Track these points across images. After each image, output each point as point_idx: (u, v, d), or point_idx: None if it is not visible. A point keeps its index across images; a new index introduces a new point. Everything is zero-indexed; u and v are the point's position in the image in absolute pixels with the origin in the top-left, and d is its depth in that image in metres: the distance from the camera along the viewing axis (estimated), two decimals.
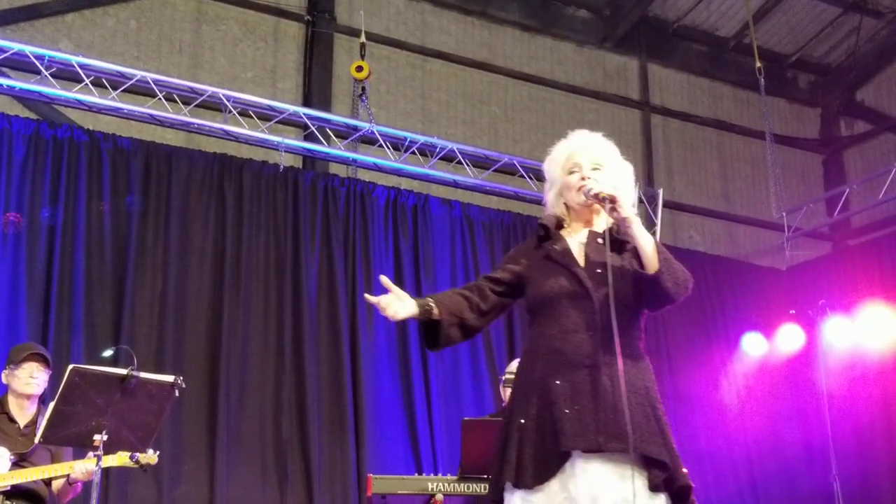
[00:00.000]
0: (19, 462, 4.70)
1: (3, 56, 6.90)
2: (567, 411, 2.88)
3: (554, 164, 3.24)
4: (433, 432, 7.32)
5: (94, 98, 7.17)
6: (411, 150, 8.18)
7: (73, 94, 7.09)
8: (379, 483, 4.87)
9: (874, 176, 9.25)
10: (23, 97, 7.27)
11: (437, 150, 8.25)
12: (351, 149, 8.15)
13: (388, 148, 8.14)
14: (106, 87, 7.24)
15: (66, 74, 7.13)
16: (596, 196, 2.98)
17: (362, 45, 8.13)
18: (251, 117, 7.74)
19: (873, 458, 8.65)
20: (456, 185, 8.46)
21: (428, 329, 3.11)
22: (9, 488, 4.60)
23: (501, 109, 9.71)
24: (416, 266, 7.83)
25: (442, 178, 8.38)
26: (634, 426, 2.82)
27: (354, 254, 7.60)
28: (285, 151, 7.71)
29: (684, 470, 2.95)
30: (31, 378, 4.85)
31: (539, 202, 8.76)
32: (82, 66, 7.11)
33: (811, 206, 9.88)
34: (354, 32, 8.59)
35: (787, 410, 9.14)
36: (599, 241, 3.07)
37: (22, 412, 4.87)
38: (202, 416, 6.67)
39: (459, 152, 8.37)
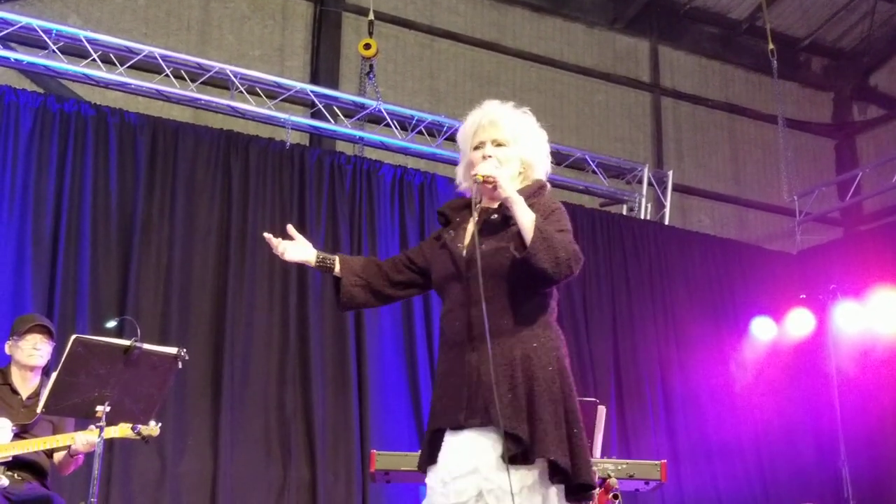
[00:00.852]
0: (21, 433, 4.67)
1: (10, 30, 6.88)
2: (439, 390, 3.01)
3: (463, 137, 3.24)
4: None
5: (101, 73, 7.15)
6: (418, 129, 8.14)
7: (81, 68, 7.08)
8: (382, 459, 4.85)
9: (886, 160, 9.17)
10: (30, 71, 7.25)
11: (445, 129, 8.21)
12: (358, 127, 8.11)
13: (395, 127, 8.10)
14: (113, 63, 7.23)
15: (74, 49, 7.12)
16: (474, 178, 3.02)
17: (370, 23, 8.09)
18: (258, 94, 7.71)
19: (883, 443, 8.59)
20: None
21: (335, 287, 3.23)
22: (10, 459, 4.58)
23: (510, 90, 9.63)
24: None
25: (449, 157, 8.32)
26: (495, 399, 2.83)
27: (360, 232, 7.56)
28: (292, 129, 7.68)
29: (591, 464, 2.92)
30: (34, 350, 4.83)
31: (550, 183, 8.75)
32: (90, 41, 7.09)
33: (823, 190, 9.82)
34: (363, 11, 8.54)
35: (797, 395, 9.09)
36: (494, 217, 3.08)
37: (25, 383, 4.85)
38: (206, 390, 6.65)
39: None
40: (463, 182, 3.24)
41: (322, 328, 7.15)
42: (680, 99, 10.53)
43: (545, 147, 3.28)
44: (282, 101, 7.80)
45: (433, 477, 2.97)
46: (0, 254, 6.23)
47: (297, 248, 3.27)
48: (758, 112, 10.74)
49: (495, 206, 3.10)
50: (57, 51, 6.98)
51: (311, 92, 7.91)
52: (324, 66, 8.68)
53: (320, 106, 7.89)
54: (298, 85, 7.87)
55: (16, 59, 7.01)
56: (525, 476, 2.83)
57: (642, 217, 9.13)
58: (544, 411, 2.85)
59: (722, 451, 8.56)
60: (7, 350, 4.91)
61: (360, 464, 6.83)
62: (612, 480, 5.04)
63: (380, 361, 7.27)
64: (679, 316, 8.83)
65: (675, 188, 9.51)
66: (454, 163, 8.44)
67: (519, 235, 2.94)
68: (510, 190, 2.98)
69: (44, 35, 6.96)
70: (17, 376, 4.85)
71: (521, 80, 9.72)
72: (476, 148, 3.15)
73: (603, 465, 4.93)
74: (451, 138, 8.25)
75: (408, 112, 8.18)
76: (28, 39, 7.06)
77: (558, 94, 9.87)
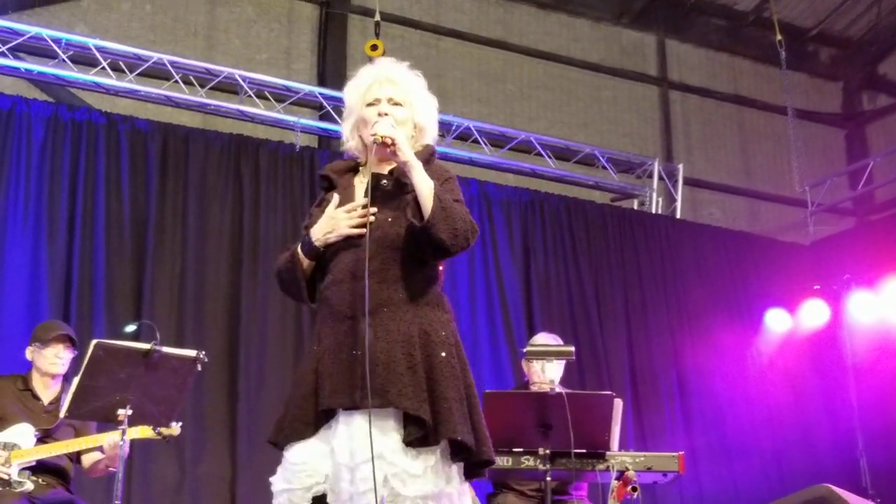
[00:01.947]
0: (44, 438, 4.72)
1: (20, 40, 6.91)
2: (328, 367, 2.80)
3: (354, 92, 3.05)
4: None
5: (111, 81, 7.17)
6: None
7: (91, 76, 7.10)
8: None
9: None
10: (40, 81, 7.27)
11: (453, 128, 8.23)
12: None
13: None
14: (123, 70, 7.25)
15: (83, 58, 7.15)
16: (374, 137, 2.85)
17: (377, 24, 8.10)
18: (267, 98, 7.73)
19: None
20: (472, 162, 8.43)
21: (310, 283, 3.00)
22: (34, 464, 4.63)
23: (517, 87, 9.65)
24: None
25: (458, 156, 8.35)
26: (394, 379, 2.71)
27: None
28: (301, 131, 7.71)
29: (482, 442, 2.84)
30: (57, 358, 4.87)
31: (558, 179, 8.78)
32: (99, 49, 7.12)
33: (834, 180, 9.79)
34: (368, 12, 8.55)
35: (812, 386, 9.07)
36: (384, 182, 2.93)
37: (46, 389, 4.89)
38: (223, 394, 6.67)
39: (475, 130, 8.34)
40: (350, 140, 3.07)
41: None
42: (688, 92, 10.50)
43: (436, 113, 3.13)
44: (290, 104, 7.81)
45: (301, 454, 2.80)
46: (16, 261, 6.26)
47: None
48: (767, 103, 10.71)
49: (385, 170, 2.95)
50: (67, 60, 7.01)
51: (319, 94, 7.93)
52: (331, 68, 8.70)
53: (328, 108, 7.91)
54: (307, 87, 7.90)
55: (26, 69, 7.03)
56: (428, 457, 2.73)
57: (653, 211, 9.13)
58: (447, 389, 2.74)
59: (738, 443, 8.54)
60: (28, 356, 4.94)
61: None
62: (631, 473, 5.02)
63: None
64: (693, 309, 8.82)
65: (686, 182, 9.49)
66: (464, 162, 8.54)
67: (415, 203, 2.80)
68: (409, 154, 2.84)
69: (53, 44, 6.99)
70: (38, 382, 4.89)
71: (528, 76, 9.73)
72: (370, 105, 2.98)
73: (620, 457, 4.92)
74: (460, 137, 8.28)
75: None
76: (37, 49, 7.09)
77: (566, 90, 9.86)
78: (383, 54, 7.93)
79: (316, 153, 7.73)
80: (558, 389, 4.68)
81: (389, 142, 2.82)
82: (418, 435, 2.70)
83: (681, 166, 9.43)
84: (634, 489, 5.00)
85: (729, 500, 8.27)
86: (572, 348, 4.90)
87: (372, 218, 2.85)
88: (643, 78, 10.32)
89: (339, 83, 8.56)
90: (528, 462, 4.71)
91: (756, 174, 10.58)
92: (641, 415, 8.19)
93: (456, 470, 2.80)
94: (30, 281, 6.27)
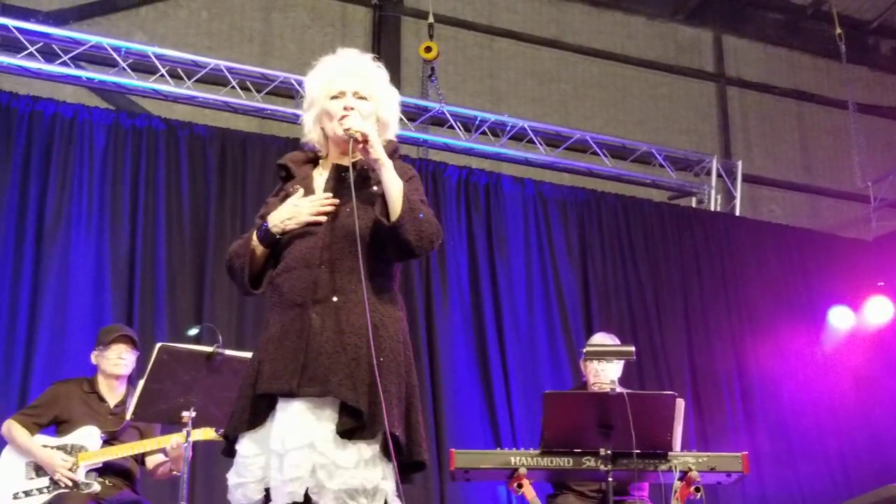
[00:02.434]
0: (110, 440, 4.80)
1: (81, 49, 7.03)
2: (270, 354, 2.74)
3: (316, 83, 2.98)
4: (511, 407, 7.28)
5: (169, 87, 7.26)
6: (482, 130, 8.14)
7: (150, 84, 7.20)
8: (462, 458, 4.83)
9: None
10: (101, 89, 7.39)
11: (508, 128, 8.21)
12: (421, 130, 8.13)
13: (459, 128, 8.11)
14: (181, 77, 7.34)
15: (142, 66, 7.24)
16: (348, 133, 2.80)
17: (430, 26, 8.12)
18: None
19: None
20: (528, 163, 8.41)
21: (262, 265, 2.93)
22: (101, 465, 4.71)
23: (571, 86, 9.60)
24: (490, 245, 7.78)
25: (513, 157, 8.34)
26: (336, 369, 2.66)
27: None
28: None
29: (420, 443, 2.79)
30: (119, 359, 4.94)
31: (614, 178, 8.71)
32: (158, 57, 7.21)
33: None
34: (421, 15, 8.57)
35: (878, 384, 8.88)
36: (344, 175, 2.86)
37: (111, 392, 4.97)
38: None
39: (531, 130, 8.31)
40: (311, 133, 3.01)
41: None
42: (746, 88, 10.37)
43: (398, 108, 3.08)
44: None
45: (251, 446, 2.73)
46: (80, 267, 6.37)
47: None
48: (827, 98, 10.53)
49: (346, 163, 2.86)
50: (126, 68, 7.12)
51: None
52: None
53: None
54: None
55: (87, 78, 7.15)
56: (364, 450, 2.66)
57: (712, 209, 9.01)
58: (389, 384, 2.70)
59: (803, 444, 8.39)
60: (93, 360, 5.03)
61: (436, 464, 6.84)
62: (694, 473, 4.95)
63: (452, 362, 7.28)
64: (753, 307, 8.69)
65: (745, 178, 9.36)
66: (519, 162, 8.51)
67: (382, 201, 2.76)
68: (382, 152, 2.79)
69: (113, 53, 7.10)
70: (103, 385, 4.97)
71: (582, 75, 9.67)
72: (335, 98, 2.92)
73: (683, 458, 4.85)
74: (516, 137, 8.26)
75: (470, 113, 8.19)
76: (97, 58, 7.20)
77: (621, 88, 9.79)
78: (437, 56, 7.96)
79: None
80: (619, 389, 4.63)
81: (361, 138, 2.77)
82: (352, 426, 2.64)
83: (739, 163, 9.30)
84: (698, 490, 4.93)
85: (794, 502, 8.13)
86: (632, 348, 4.83)
87: (331, 208, 2.83)
88: (700, 74, 10.21)
89: (393, 85, 8.58)
90: (589, 462, 4.65)
91: (817, 170, 10.40)
92: (703, 415, 8.09)
93: (391, 468, 2.71)
94: (94, 286, 6.37)
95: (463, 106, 8.35)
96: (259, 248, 2.89)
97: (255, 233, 2.91)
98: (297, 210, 2.84)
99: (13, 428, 4.77)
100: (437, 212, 7.51)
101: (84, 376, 5.08)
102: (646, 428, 4.54)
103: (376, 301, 2.78)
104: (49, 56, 6.94)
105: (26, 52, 6.84)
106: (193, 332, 5.16)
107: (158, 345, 4.18)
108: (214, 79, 7.47)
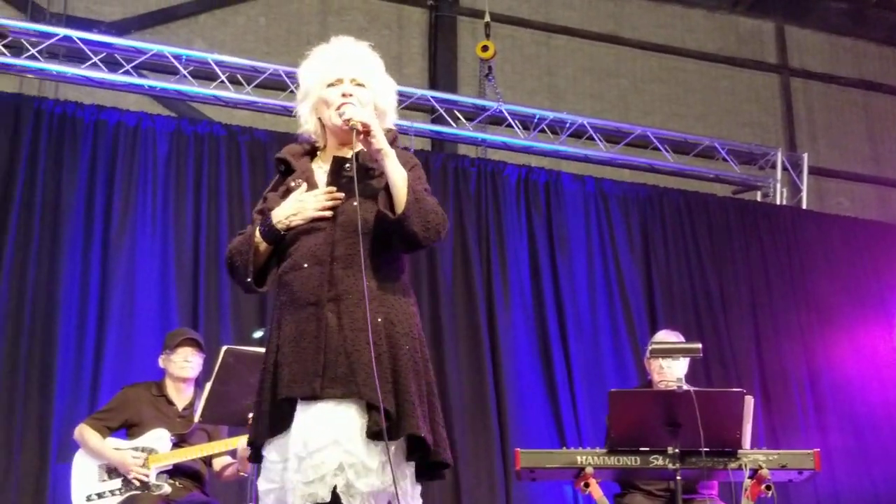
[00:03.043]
0: (179, 443, 4.87)
1: (143, 58, 7.12)
2: (288, 356, 2.64)
3: (311, 72, 2.88)
4: (576, 406, 7.23)
5: (229, 93, 7.33)
6: (540, 128, 8.09)
7: (210, 90, 7.28)
8: (527, 457, 4.80)
9: None
10: (163, 96, 7.50)
11: (567, 125, 8.15)
12: (479, 129, 8.11)
13: (517, 126, 8.07)
14: (240, 83, 7.40)
15: (202, 72, 7.32)
16: (348, 124, 2.70)
17: (487, 25, 8.09)
18: None
19: None
20: (587, 159, 8.34)
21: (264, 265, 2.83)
22: (171, 467, 4.78)
23: (630, 81, 9.51)
24: (551, 243, 7.73)
25: (573, 154, 8.28)
26: (358, 369, 2.57)
27: (488, 233, 7.56)
28: (414, 135, 7.74)
29: (441, 442, 2.70)
30: (185, 362, 5.01)
31: (676, 173, 8.60)
32: (217, 64, 7.28)
33: None
34: (477, 14, 8.56)
35: None
36: (347, 167, 2.78)
37: (179, 395, 5.04)
38: None
39: (590, 126, 8.24)
40: (307, 123, 2.90)
41: (455, 331, 7.17)
42: (810, 79, 10.19)
43: (395, 96, 2.97)
44: (403, 108, 7.82)
45: (275, 451, 2.65)
46: (145, 272, 6.46)
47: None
48: (894, 87, 10.29)
49: (348, 154, 2.79)
50: (187, 75, 7.20)
51: (432, 97, 7.95)
52: (442, 71, 8.74)
53: (441, 111, 7.93)
54: (419, 92, 7.92)
55: (149, 86, 7.26)
56: (384, 452, 2.58)
57: (778, 202, 8.85)
58: (410, 383, 2.63)
59: (877, 442, 8.19)
60: (161, 364, 5.11)
61: (501, 463, 6.82)
62: (764, 471, 4.86)
63: (515, 361, 7.25)
64: (822, 302, 8.52)
65: (811, 171, 9.18)
66: (578, 159, 8.45)
67: (387, 192, 2.69)
68: (384, 142, 2.69)
69: (174, 61, 7.18)
70: (171, 388, 5.04)
71: (641, 70, 9.58)
72: (331, 85, 2.82)
73: (753, 455, 4.76)
74: (575, 134, 8.19)
75: (529, 111, 8.14)
76: (159, 66, 7.29)
77: (681, 82, 9.68)
78: (494, 55, 7.93)
79: (430, 156, 7.76)
80: (686, 387, 4.57)
81: (362, 128, 2.68)
82: (382, 427, 2.55)
83: (805, 155, 9.13)
84: (768, 488, 4.84)
85: (868, 500, 7.94)
86: (699, 345, 4.77)
87: (337, 202, 2.75)
88: (762, 66, 10.05)
89: (450, 85, 8.62)
90: (657, 461, 4.58)
91: (885, 161, 10.17)
92: (772, 412, 7.96)
93: (410, 470, 2.69)
94: (159, 291, 6.46)
95: (521, 104, 8.32)
96: (262, 245, 2.80)
97: (257, 229, 2.81)
98: (301, 205, 2.76)
99: (85, 432, 4.86)
100: (496, 212, 7.58)
101: (152, 380, 5.16)
102: (714, 425, 4.48)
103: (390, 295, 2.71)
104: (112, 66, 7.04)
105: (90, 63, 6.96)
106: (258, 334, 5.18)
107: (224, 348, 4.22)
108: (273, 84, 7.52)
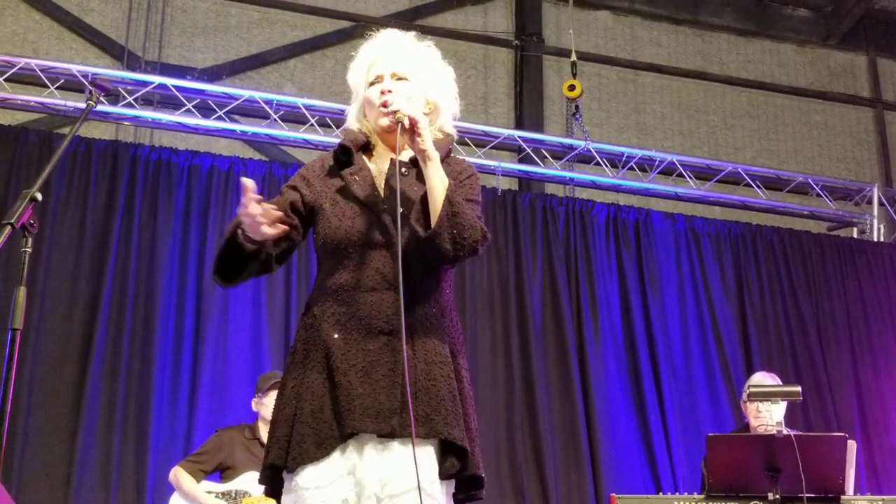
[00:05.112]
0: None
1: (235, 104, 7.28)
2: (357, 388, 2.40)
3: (356, 72, 2.68)
4: (670, 450, 7.07)
5: (319, 137, 7.44)
6: (629, 166, 8.01)
7: (300, 134, 7.39)
8: (623, 502, 4.71)
9: None
10: (254, 141, 7.64)
11: (656, 163, 8.06)
12: (567, 168, 8.08)
13: (605, 164, 8.01)
14: (329, 126, 7.51)
15: (292, 116, 7.44)
16: (395, 117, 2.48)
17: (573, 64, 8.05)
18: (467, 144, 7.82)
19: None
20: (678, 197, 8.22)
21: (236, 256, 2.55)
22: None
23: (720, 117, 9.39)
24: (642, 282, 7.62)
25: (663, 192, 8.17)
26: (438, 405, 2.40)
27: (577, 273, 7.48)
28: (502, 175, 7.73)
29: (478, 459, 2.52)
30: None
31: (769, 210, 8.42)
32: (307, 108, 7.40)
33: None
34: (563, 53, 8.55)
35: None
36: (404, 171, 2.55)
37: None
38: None
39: (679, 164, 8.14)
40: (355, 124, 2.70)
41: (546, 373, 7.11)
42: None
43: (453, 87, 2.74)
44: (490, 148, 7.87)
45: (318, 476, 2.40)
46: (238, 316, 6.55)
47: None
48: None
49: (405, 158, 2.58)
50: (277, 119, 7.34)
51: (518, 137, 7.95)
52: (528, 111, 8.74)
53: (528, 150, 7.92)
54: (506, 132, 7.93)
55: (241, 131, 7.41)
56: (450, 485, 2.48)
57: (875, 239, 8.60)
58: (471, 420, 2.50)
59: None
60: (254, 407, 5.15)
61: None
62: None
63: (607, 403, 7.14)
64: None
65: None
66: (668, 197, 8.33)
67: (422, 204, 2.48)
68: (430, 142, 2.47)
69: (265, 106, 7.32)
70: (264, 431, 5.03)
71: (730, 106, 9.45)
72: (373, 83, 2.62)
73: (857, 501, 4.60)
74: (664, 172, 8.10)
75: (617, 149, 8.08)
76: (250, 111, 7.45)
77: (772, 117, 9.52)
78: (581, 94, 7.90)
79: (518, 196, 7.75)
80: (786, 431, 4.46)
81: (409, 123, 2.45)
82: (458, 468, 2.44)
83: None
84: None
85: None
86: (798, 388, 4.64)
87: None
88: (855, 100, 9.84)
89: (537, 124, 8.61)
90: None
91: None
92: (873, 456, 7.68)
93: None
94: (251, 334, 6.54)
95: (609, 142, 8.27)
96: (246, 245, 2.50)
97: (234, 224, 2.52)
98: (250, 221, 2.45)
99: (180, 475, 4.92)
100: (585, 251, 7.51)
101: (245, 423, 5.20)
102: (816, 471, 4.37)
103: (447, 322, 2.55)
104: (205, 111, 7.22)
105: (184, 109, 7.14)
106: None
107: None
108: None
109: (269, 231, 2.45)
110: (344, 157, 2.62)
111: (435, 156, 2.47)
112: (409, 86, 2.61)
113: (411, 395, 2.37)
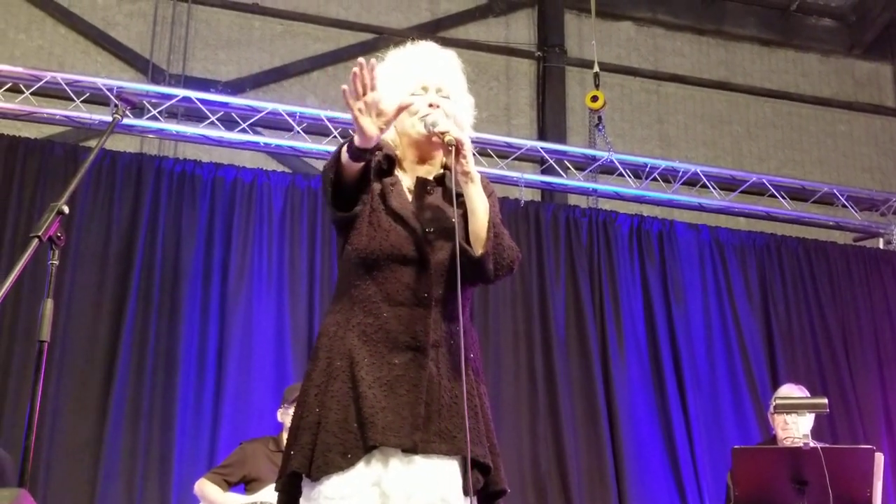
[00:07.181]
0: None
1: (258, 116, 7.31)
2: (381, 401, 2.39)
3: (392, 79, 2.58)
4: (696, 462, 7.03)
5: None
6: (652, 177, 7.99)
7: (323, 146, 7.41)
8: None
9: None
10: (277, 153, 7.67)
11: (680, 174, 8.02)
12: (590, 179, 8.06)
13: (629, 175, 7.99)
14: None
15: (315, 128, 7.45)
16: (439, 134, 2.47)
17: (596, 75, 8.04)
18: (489, 155, 7.81)
19: None
20: (701, 208, 8.18)
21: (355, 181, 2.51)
22: None
23: (744, 128, 9.35)
24: (666, 294, 7.59)
25: (686, 203, 8.13)
26: (460, 423, 2.39)
27: (601, 284, 7.46)
28: (524, 186, 7.72)
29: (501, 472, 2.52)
30: None
31: (793, 221, 8.35)
32: (330, 120, 7.41)
33: None
34: (585, 64, 8.54)
35: None
36: (430, 189, 2.56)
37: None
38: None
39: (703, 174, 8.10)
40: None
41: (570, 385, 7.08)
42: None
43: (473, 112, 2.75)
44: (513, 159, 7.86)
45: (343, 487, 2.36)
46: (262, 326, 6.58)
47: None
48: None
49: (425, 173, 2.59)
50: (300, 131, 7.36)
51: (541, 148, 7.94)
52: (550, 122, 8.73)
53: (551, 161, 7.90)
54: (528, 143, 7.92)
55: (264, 143, 7.44)
56: (473, 501, 2.45)
57: None
58: (492, 435, 2.51)
59: None
60: (279, 418, 5.15)
61: None
62: None
63: (631, 416, 7.10)
64: None
65: None
66: (692, 208, 8.29)
67: (464, 223, 2.47)
68: (473, 165, 2.46)
69: (288, 118, 7.34)
70: None
71: (754, 116, 9.41)
72: (414, 94, 2.57)
73: None
74: (688, 183, 8.06)
75: (640, 160, 8.05)
76: (273, 123, 7.46)
77: (797, 127, 9.47)
78: (604, 105, 7.88)
79: (541, 207, 7.74)
80: (812, 444, 4.42)
81: (454, 146, 2.44)
82: (482, 485, 2.44)
83: None
84: None
85: None
86: (825, 400, 4.62)
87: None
88: (880, 110, 9.78)
89: (559, 135, 8.60)
90: None
91: None
92: None
93: None
94: (276, 345, 6.56)
95: (632, 153, 8.25)
96: (352, 166, 2.47)
97: (343, 147, 2.47)
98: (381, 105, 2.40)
99: (205, 486, 4.93)
100: (608, 262, 7.50)
101: (270, 435, 5.20)
102: (843, 484, 4.35)
103: (470, 340, 2.54)
104: (228, 124, 7.25)
105: (208, 122, 7.18)
106: None
107: None
108: None
109: (390, 110, 2.40)
110: (386, 165, 2.60)
111: (477, 178, 2.49)
112: (450, 105, 2.61)
113: (435, 412, 2.39)
